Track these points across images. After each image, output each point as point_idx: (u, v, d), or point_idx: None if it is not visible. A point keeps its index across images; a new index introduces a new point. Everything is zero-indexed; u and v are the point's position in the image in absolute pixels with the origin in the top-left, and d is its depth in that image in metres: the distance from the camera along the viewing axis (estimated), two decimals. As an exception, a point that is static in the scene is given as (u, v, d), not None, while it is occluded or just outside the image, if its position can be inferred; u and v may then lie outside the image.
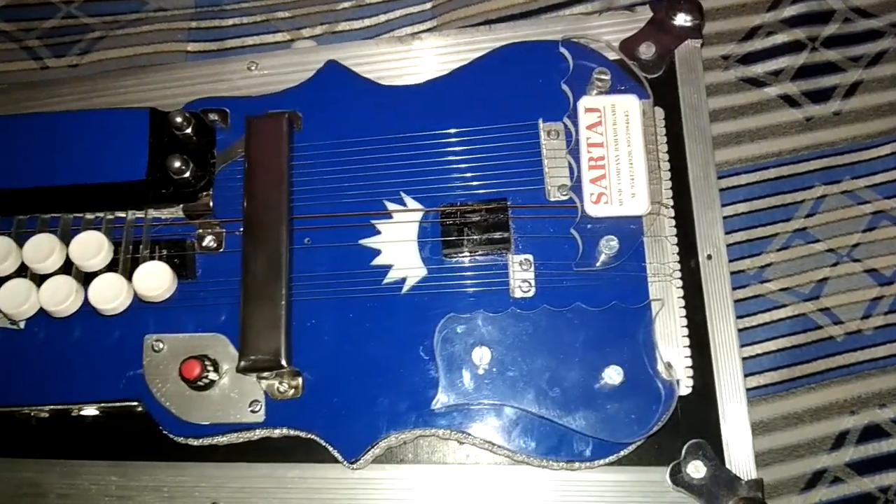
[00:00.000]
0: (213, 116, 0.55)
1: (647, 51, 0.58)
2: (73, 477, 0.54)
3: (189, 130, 0.51)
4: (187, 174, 0.50)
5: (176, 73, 0.61)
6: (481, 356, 0.49)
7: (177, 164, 0.49)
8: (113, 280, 0.48)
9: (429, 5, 0.78)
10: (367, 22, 0.78)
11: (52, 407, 0.52)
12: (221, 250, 0.53)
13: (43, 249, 0.48)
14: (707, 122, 0.58)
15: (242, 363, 0.49)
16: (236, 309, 0.51)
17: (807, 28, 0.76)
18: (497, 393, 0.49)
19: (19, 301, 0.48)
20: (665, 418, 0.49)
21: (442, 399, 0.49)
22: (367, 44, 0.62)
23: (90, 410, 0.52)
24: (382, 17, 0.78)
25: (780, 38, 0.76)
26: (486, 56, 0.56)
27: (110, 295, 0.48)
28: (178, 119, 0.50)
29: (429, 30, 0.76)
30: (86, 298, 0.50)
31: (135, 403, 0.52)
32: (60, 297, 0.48)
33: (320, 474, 0.53)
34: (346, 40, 0.65)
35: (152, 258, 0.51)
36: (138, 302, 0.52)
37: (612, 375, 0.48)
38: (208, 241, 0.53)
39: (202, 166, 0.51)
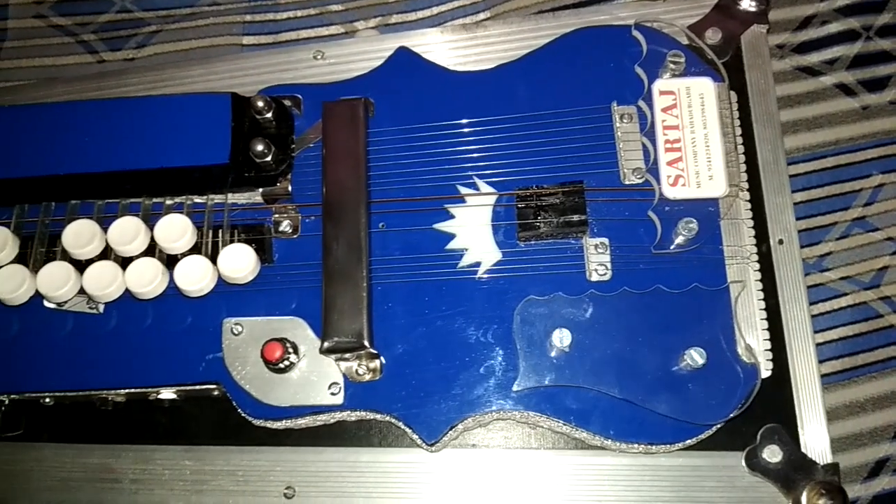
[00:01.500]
0: (286, 103, 0.55)
1: (713, 36, 0.58)
2: (146, 462, 0.54)
3: (269, 115, 0.51)
4: (269, 158, 0.50)
5: (242, 62, 0.62)
6: (561, 338, 0.48)
7: (260, 147, 0.49)
8: (199, 262, 0.48)
9: (481, -4, 0.78)
10: (419, 14, 0.78)
11: (130, 391, 0.52)
12: (297, 235, 0.54)
13: (128, 232, 0.48)
14: (775, 107, 0.58)
15: (326, 344, 0.49)
16: (311, 293, 0.51)
17: (861, 17, 0.76)
18: (577, 375, 0.49)
19: (106, 283, 0.48)
20: (748, 400, 0.49)
21: (522, 381, 0.49)
22: (431, 31, 0.62)
23: (168, 394, 0.53)
24: (435, 10, 0.78)
25: (834, 28, 0.75)
26: (557, 40, 0.57)
27: (196, 277, 0.48)
28: (260, 103, 0.50)
29: (482, 21, 0.76)
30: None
31: (212, 387, 0.52)
32: (147, 278, 0.48)
33: (393, 458, 0.53)
34: (398, 32, 0.65)
35: (232, 242, 0.51)
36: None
37: (695, 357, 0.48)
38: (284, 225, 0.53)
39: (283, 150, 0.52)
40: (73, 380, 0.52)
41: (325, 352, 0.49)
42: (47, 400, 0.54)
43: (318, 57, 0.61)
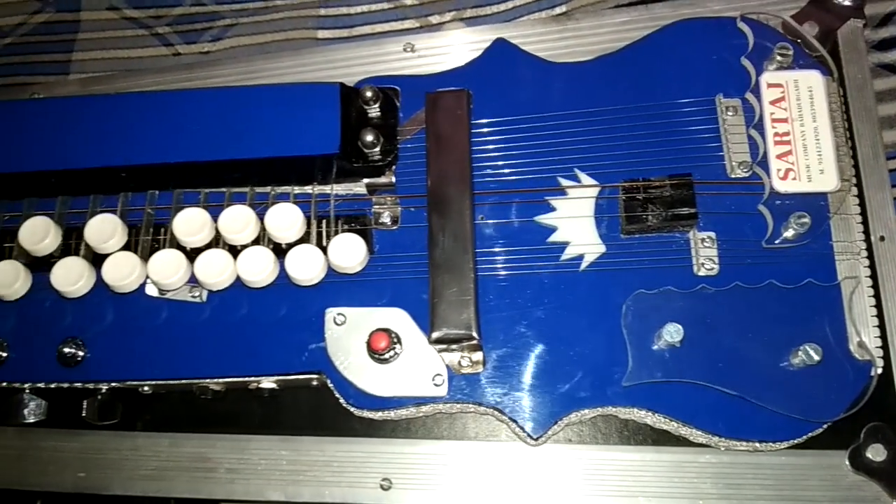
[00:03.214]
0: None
1: (810, 30, 0.58)
2: (242, 451, 0.54)
3: (377, 105, 0.51)
4: (377, 148, 0.50)
5: (332, 54, 0.62)
6: (673, 333, 0.48)
7: (370, 137, 0.49)
8: (312, 252, 0.48)
9: (558, -9, 0.77)
10: (494, 8, 0.78)
11: (230, 380, 0.52)
12: (397, 226, 0.53)
13: (239, 220, 0.48)
14: (873, 102, 0.57)
15: (435, 334, 0.48)
16: (411, 284, 0.51)
17: (943, 14, 0.74)
18: (688, 370, 0.48)
19: (218, 271, 0.48)
20: (863, 397, 0.48)
21: (632, 376, 0.49)
22: (521, 23, 0.62)
23: (268, 383, 0.52)
24: (510, 4, 0.78)
25: (915, 25, 0.74)
26: (660, 32, 0.56)
27: (310, 266, 0.48)
28: (369, 93, 0.50)
29: (560, 14, 0.76)
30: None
31: (313, 377, 0.52)
32: (260, 266, 0.48)
33: (490, 452, 0.52)
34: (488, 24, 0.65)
35: (336, 232, 0.51)
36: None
37: (811, 354, 0.47)
38: (385, 216, 0.53)
39: (390, 140, 0.52)
40: (177, 368, 0.52)
41: (434, 342, 0.49)
42: (146, 388, 0.54)
43: (409, 49, 0.61)
